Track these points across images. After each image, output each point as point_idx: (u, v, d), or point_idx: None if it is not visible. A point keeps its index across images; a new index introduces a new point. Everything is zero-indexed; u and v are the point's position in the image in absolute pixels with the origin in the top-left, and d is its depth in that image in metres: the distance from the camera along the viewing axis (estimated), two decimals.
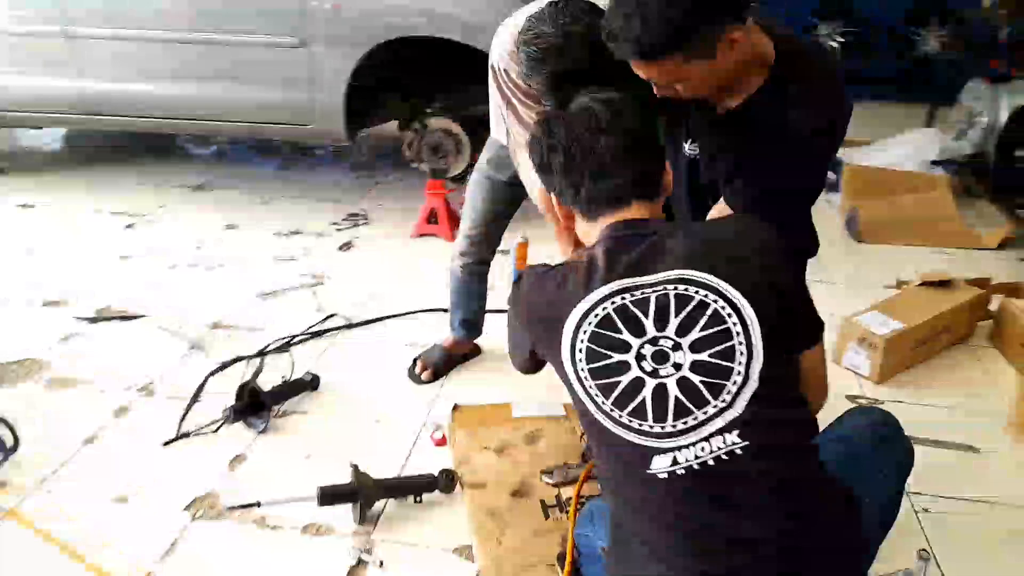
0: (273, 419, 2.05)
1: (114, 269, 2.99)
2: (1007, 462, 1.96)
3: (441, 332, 2.47)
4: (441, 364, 2.31)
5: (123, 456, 1.93)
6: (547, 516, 1.74)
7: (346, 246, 3.22)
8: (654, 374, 1.05)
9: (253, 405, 2.04)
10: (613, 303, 1.07)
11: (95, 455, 1.94)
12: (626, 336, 1.06)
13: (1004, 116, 3.62)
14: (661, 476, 1.03)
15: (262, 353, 2.37)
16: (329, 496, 1.69)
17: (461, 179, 3.59)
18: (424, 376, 2.28)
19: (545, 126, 1.21)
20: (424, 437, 2.04)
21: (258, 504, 1.71)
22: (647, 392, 1.05)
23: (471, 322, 2.33)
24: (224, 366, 2.31)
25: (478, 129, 3.39)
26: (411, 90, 3.53)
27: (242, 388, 2.05)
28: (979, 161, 3.66)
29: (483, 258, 2.18)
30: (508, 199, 2.08)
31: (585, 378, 1.08)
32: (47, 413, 2.09)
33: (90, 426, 2.03)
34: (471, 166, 3.42)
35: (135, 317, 2.60)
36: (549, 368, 2.35)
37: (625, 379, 1.06)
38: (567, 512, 1.74)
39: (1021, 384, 2.03)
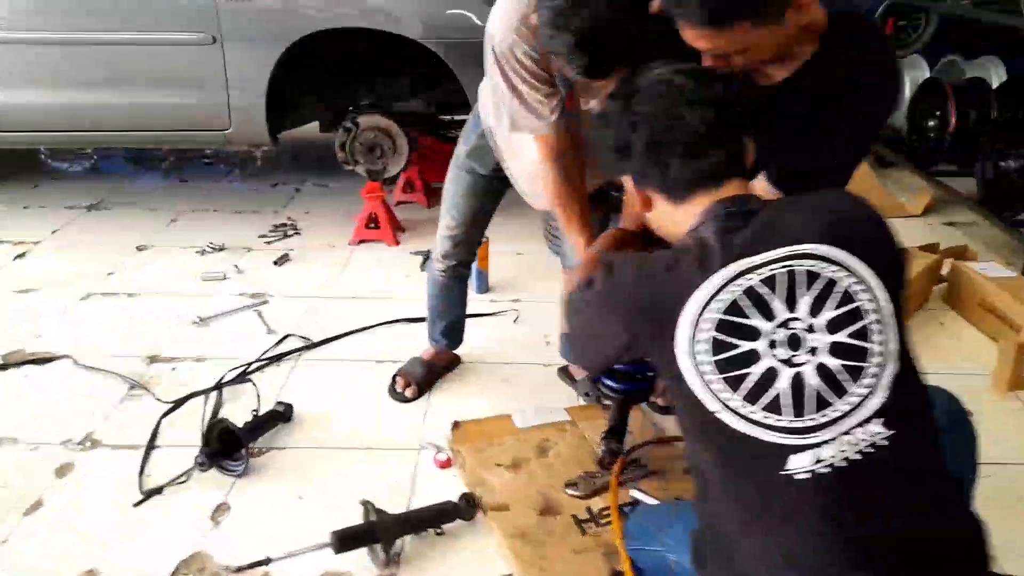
0: (250, 459, 1.81)
1: (14, 305, 2.59)
2: (997, 423, 2.02)
3: (410, 343, 2.30)
4: (424, 379, 2.13)
5: (79, 523, 1.64)
6: (583, 532, 1.62)
7: (282, 259, 2.95)
8: (788, 362, 0.95)
9: (225, 446, 1.79)
10: (739, 285, 0.97)
11: (43, 526, 1.63)
12: (755, 321, 0.96)
13: (907, 90, 3.82)
14: (800, 476, 0.94)
15: (219, 386, 2.10)
16: (347, 540, 1.49)
17: (392, 181, 3.39)
18: (408, 393, 2.10)
19: (622, 101, 1.09)
20: (425, 460, 1.87)
21: (267, 561, 1.49)
22: (782, 383, 0.95)
23: (454, 330, 2.17)
24: (177, 404, 2.03)
25: (412, 125, 3.21)
26: (330, 88, 3.29)
27: (211, 428, 1.80)
28: (889, 133, 3.84)
29: (466, 260, 2.03)
30: (491, 193, 1.93)
31: (706, 372, 0.97)
32: None
33: (29, 492, 1.72)
34: (408, 165, 3.26)
35: (55, 358, 2.25)
36: (534, 369, 2.28)
37: (756, 370, 0.96)
38: (604, 525, 1.63)
39: (1003, 343, 2.11)
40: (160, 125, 3.01)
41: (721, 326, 0.97)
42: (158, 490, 1.70)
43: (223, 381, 2.11)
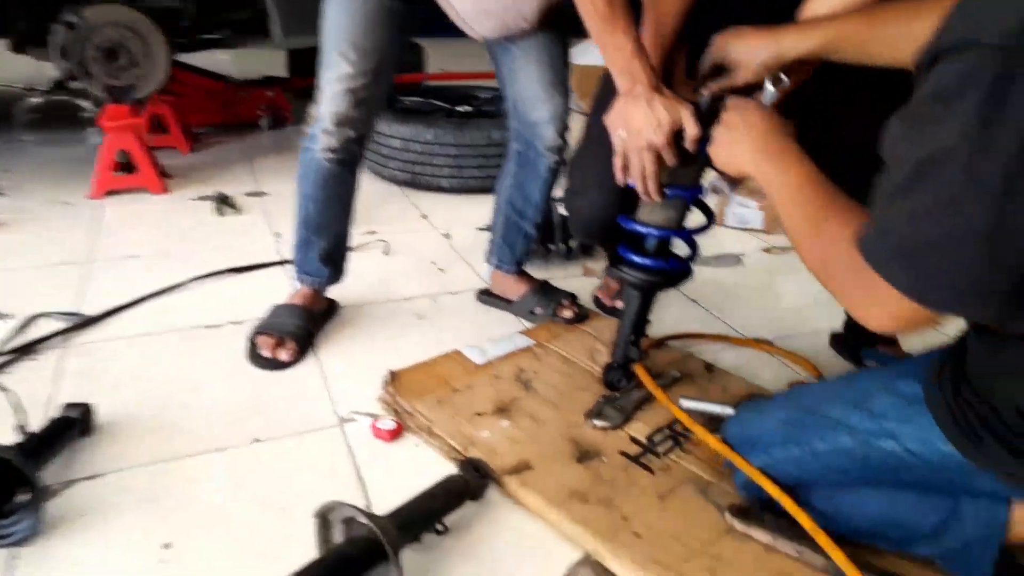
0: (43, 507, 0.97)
1: None
2: None
3: (250, 302, 1.55)
4: (302, 331, 1.41)
5: None
6: (652, 471, 1.08)
7: None
8: None
9: None
10: None
11: None
12: None
13: None
14: None
15: None
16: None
17: (142, 102, 2.44)
18: (284, 356, 1.35)
19: None
20: (358, 437, 1.17)
21: None
22: None
23: (338, 252, 1.46)
24: None
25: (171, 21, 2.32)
26: None
27: None
28: None
29: (365, 131, 1.34)
30: (403, 19, 1.27)
31: None
32: None
33: None
34: (167, 82, 2.37)
35: None
36: (448, 300, 1.65)
37: None
38: (667, 454, 1.11)
39: None
40: None
41: None
42: None
43: None
